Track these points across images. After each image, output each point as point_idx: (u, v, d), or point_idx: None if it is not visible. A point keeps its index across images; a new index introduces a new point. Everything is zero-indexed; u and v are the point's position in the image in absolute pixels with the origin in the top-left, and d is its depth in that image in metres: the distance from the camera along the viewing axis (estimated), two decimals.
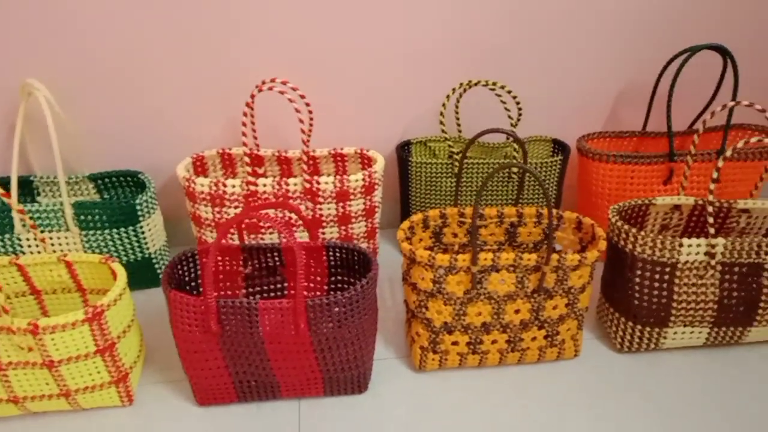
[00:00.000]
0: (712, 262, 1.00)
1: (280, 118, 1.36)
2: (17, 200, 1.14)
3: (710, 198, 1.00)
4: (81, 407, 0.99)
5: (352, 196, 1.21)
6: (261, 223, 1.22)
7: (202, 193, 1.18)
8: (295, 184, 1.18)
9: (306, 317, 0.89)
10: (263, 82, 1.10)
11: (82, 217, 1.19)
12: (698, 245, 0.99)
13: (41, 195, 1.33)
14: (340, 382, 1.00)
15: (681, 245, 0.99)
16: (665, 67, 1.28)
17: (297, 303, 0.87)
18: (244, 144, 1.15)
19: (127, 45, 1.23)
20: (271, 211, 1.22)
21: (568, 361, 1.10)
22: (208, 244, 0.95)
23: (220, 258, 1.05)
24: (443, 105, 1.28)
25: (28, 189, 1.32)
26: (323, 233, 1.25)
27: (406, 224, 1.07)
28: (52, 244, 1.21)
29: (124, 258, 1.25)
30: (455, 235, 1.14)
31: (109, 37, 1.22)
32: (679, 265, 1.00)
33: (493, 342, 1.03)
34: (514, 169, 1.33)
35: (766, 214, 1.12)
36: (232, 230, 1.23)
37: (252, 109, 1.18)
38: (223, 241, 1.27)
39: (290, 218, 1.23)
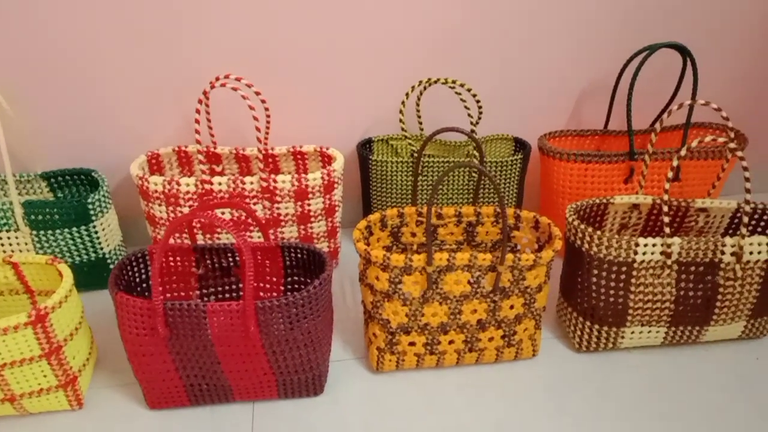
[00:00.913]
0: (669, 262, 1.00)
1: (241, 115, 1.33)
2: None
3: (665, 197, 1.00)
4: (28, 412, 0.97)
5: (310, 195, 1.19)
6: (214, 223, 1.20)
7: (156, 191, 1.16)
8: (252, 183, 1.16)
9: (256, 320, 0.87)
10: (216, 78, 1.08)
11: (33, 217, 1.16)
12: (654, 245, 0.99)
13: None
14: (294, 385, 0.98)
15: (637, 245, 0.99)
16: (625, 66, 1.28)
17: (246, 305, 0.85)
18: (198, 141, 1.12)
19: (81, 41, 1.20)
20: (226, 211, 1.20)
21: (527, 360, 1.09)
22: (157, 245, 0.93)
23: (171, 259, 1.03)
24: (402, 103, 1.26)
25: None
26: (282, 233, 1.23)
27: (362, 224, 1.05)
28: (2, 245, 1.18)
29: (78, 258, 1.22)
30: (414, 235, 1.13)
31: (61, 34, 1.19)
32: (636, 265, 1.00)
33: (451, 342, 1.03)
34: (474, 169, 1.32)
35: (723, 213, 1.12)
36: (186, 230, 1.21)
37: (207, 105, 1.16)
38: (177, 241, 1.24)
39: (246, 217, 1.21)
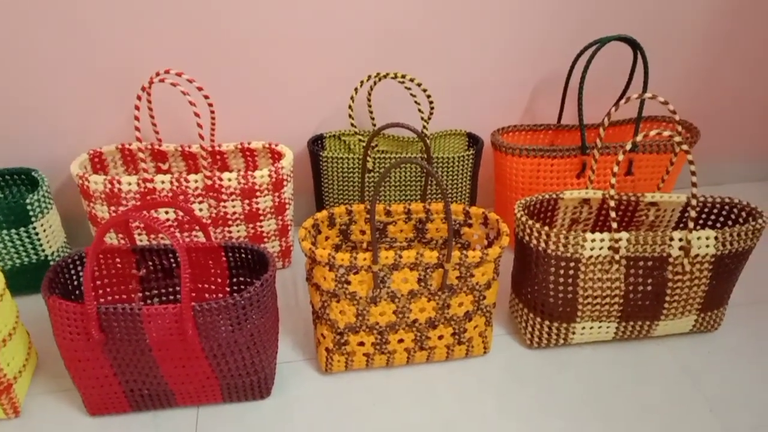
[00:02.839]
0: (617, 257, 1.00)
1: (188, 112, 1.29)
2: None
3: (611, 192, 0.99)
4: None
5: (258, 193, 1.17)
6: (148, 224, 1.17)
7: (97, 191, 1.12)
8: (196, 181, 1.13)
9: (194, 323, 0.84)
10: (156, 74, 1.04)
11: None
12: (602, 240, 0.99)
13: None
14: (239, 388, 0.96)
15: (584, 240, 0.98)
16: (576, 59, 1.28)
17: (183, 308, 0.83)
18: (138, 139, 1.09)
19: (19, 34, 1.15)
20: (170, 210, 1.17)
21: (478, 358, 1.09)
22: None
23: (111, 260, 1.00)
24: (351, 98, 1.24)
25: None
26: (230, 232, 1.20)
27: (309, 222, 1.03)
28: None
29: (18, 261, 1.17)
30: (363, 233, 1.11)
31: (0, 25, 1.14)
32: (584, 260, 1.00)
33: (400, 341, 1.01)
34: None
35: (674, 207, 1.12)
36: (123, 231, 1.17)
37: (150, 101, 1.12)
38: (119, 242, 1.21)
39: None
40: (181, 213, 1.16)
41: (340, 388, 1.02)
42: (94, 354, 0.87)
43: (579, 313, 1.04)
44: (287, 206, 1.23)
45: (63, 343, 0.87)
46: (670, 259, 1.01)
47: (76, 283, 0.97)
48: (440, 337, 1.02)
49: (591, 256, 0.99)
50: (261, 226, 1.22)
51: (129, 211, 0.83)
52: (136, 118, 1.07)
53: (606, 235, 0.99)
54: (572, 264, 1.00)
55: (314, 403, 0.99)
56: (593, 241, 0.98)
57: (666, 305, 1.05)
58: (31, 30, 1.15)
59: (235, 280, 1.04)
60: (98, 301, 1.02)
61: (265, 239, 1.24)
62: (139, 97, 1.05)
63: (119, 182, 1.11)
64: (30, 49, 1.17)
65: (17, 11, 1.13)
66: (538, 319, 1.07)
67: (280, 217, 1.23)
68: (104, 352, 0.87)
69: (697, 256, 1.01)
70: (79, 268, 0.97)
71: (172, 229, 0.80)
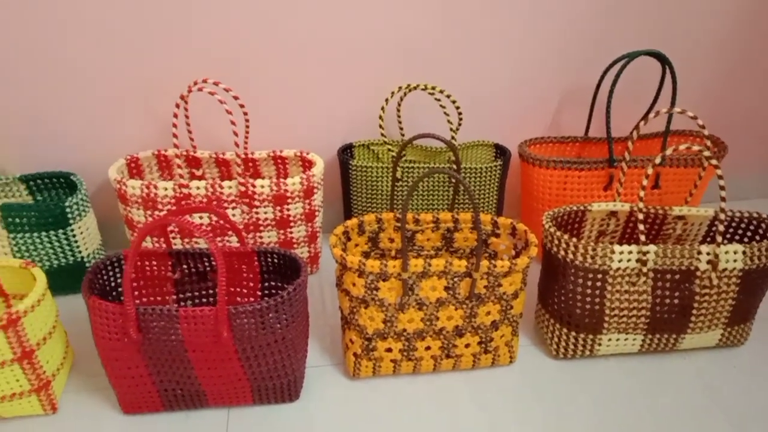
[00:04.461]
0: (644, 269, 1.01)
1: (221, 119, 1.33)
2: None
3: (640, 205, 1.00)
4: (0, 416, 0.96)
5: (290, 200, 1.19)
6: (187, 228, 1.20)
7: (134, 195, 1.15)
8: (230, 187, 1.16)
9: (229, 325, 0.87)
10: (195, 83, 1.08)
11: (10, 220, 1.15)
12: (630, 252, 0.99)
13: None
14: (269, 390, 0.98)
15: (612, 252, 0.99)
16: (605, 73, 1.29)
17: (219, 310, 0.85)
18: (176, 146, 1.12)
19: (63, 44, 1.20)
20: (205, 216, 1.20)
21: (504, 367, 1.10)
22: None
23: (147, 263, 1.03)
24: (382, 108, 1.26)
25: None
26: (261, 237, 1.23)
27: (339, 229, 1.05)
28: None
29: (55, 262, 1.21)
30: (392, 240, 1.13)
31: (42, 36, 1.18)
32: (611, 272, 1.00)
33: (427, 348, 1.02)
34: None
35: (701, 221, 1.13)
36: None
37: (186, 110, 1.15)
38: (155, 245, 1.24)
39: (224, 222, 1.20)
40: (214, 218, 1.19)
41: (366, 393, 1.04)
42: (131, 353, 0.90)
43: (605, 325, 1.05)
44: (317, 213, 1.25)
45: (101, 342, 0.89)
46: (698, 273, 1.01)
47: (113, 284, 1.00)
48: (467, 346, 1.03)
49: (619, 268, 1.00)
50: (291, 233, 1.24)
51: (169, 215, 0.86)
52: (174, 126, 1.10)
53: (634, 248, 0.99)
54: (600, 276, 1.00)
55: (341, 407, 1.01)
56: (621, 253, 0.99)
57: (693, 319, 1.06)
58: (71, 41, 1.19)
59: (266, 284, 1.07)
60: (135, 302, 1.05)
61: (295, 245, 1.26)
62: (177, 105, 1.08)
63: (156, 187, 1.14)
64: (70, 60, 1.22)
65: (59, 22, 1.17)
66: (564, 330, 1.07)
67: (309, 224, 1.25)
68: (140, 351, 0.89)
69: (724, 270, 1.01)
70: (117, 269, 1.00)
71: (210, 234, 0.82)
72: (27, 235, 1.17)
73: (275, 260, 1.03)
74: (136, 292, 1.05)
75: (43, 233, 1.17)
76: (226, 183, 1.15)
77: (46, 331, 0.94)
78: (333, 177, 1.46)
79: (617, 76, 1.22)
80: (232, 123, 1.07)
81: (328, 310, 1.25)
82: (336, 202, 1.51)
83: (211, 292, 1.08)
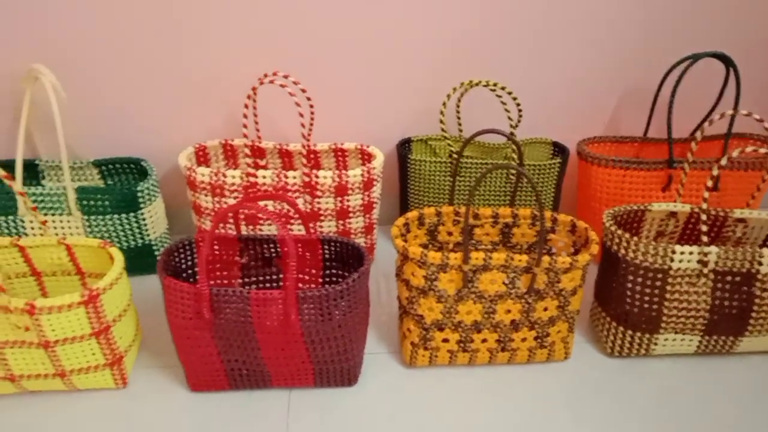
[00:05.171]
0: (705, 270, 1.01)
1: (283, 111, 1.37)
2: (22, 183, 1.16)
3: (704, 206, 1.00)
4: (76, 388, 1.01)
5: (350, 191, 1.22)
6: (259, 215, 1.24)
7: (203, 182, 1.20)
8: (294, 177, 1.20)
9: (297, 309, 0.90)
10: (265, 75, 1.11)
11: (85, 202, 1.21)
12: (691, 252, 1.00)
13: (46, 179, 1.35)
14: (330, 374, 1.01)
15: (674, 252, 0.99)
16: (667, 74, 1.28)
17: (288, 294, 0.88)
18: (245, 136, 1.16)
19: (134, 34, 1.25)
20: (269, 203, 1.24)
21: (558, 363, 1.11)
22: (205, 233, 0.96)
23: (216, 247, 1.07)
24: (443, 104, 1.28)
25: (33, 172, 1.34)
26: (321, 227, 1.26)
27: (401, 221, 1.08)
28: (55, 228, 1.23)
29: (125, 244, 1.27)
30: (450, 234, 1.15)
31: (116, 26, 1.24)
32: (672, 272, 1.01)
33: (484, 341, 1.04)
34: (512, 171, 1.34)
35: (762, 224, 1.12)
36: (230, 220, 1.25)
37: (254, 101, 1.19)
38: (221, 230, 1.28)
39: (288, 210, 1.24)
40: (278, 206, 1.23)
41: (422, 381, 1.06)
42: (202, 333, 0.94)
43: (663, 325, 1.05)
44: (374, 205, 1.28)
45: (174, 321, 0.94)
46: (759, 276, 1.01)
47: (184, 266, 1.05)
48: (523, 340, 1.05)
49: (679, 269, 1.00)
50: (349, 223, 1.27)
51: (244, 201, 0.89)
52: (245, 116, 1.14)
53: (695, 248, 1.00)
54: (660, 275, 1.01)
55: (397, 394, 1.04)
56: (682, 253, 0.99)
57: (751, 321, 1.05)
58: (147, 33, 1.25)
59: (327, 272, 1.10)
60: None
61: (352, 235, 1.29)
62: (249, 97, 1.12)
63: (224, 175, 1.18)
64: (144, 51, 1.27)
65: (135, 14, 1.22)
66: (621, 329, 1.08)
67: (367, 215, 1.28)
68: (211, 331, 0.93)
69: None
70: (188, 252, 1.04)
71: (283, 220, 0.86)
72: (100, 217, 1.23)
73: (338, 248, 1.06)
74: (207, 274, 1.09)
75: (115, 216, 1.23)
76: (290, 173, 1.19)
77: (122, 309, 0.99)
78: (388, 170, 1.49)
79: (680, 77, 1.22)
80: (301, 115, 1.10)
81: (383, 299, 1.28)
82: (390, 195, 1.53)
83: (274, 277, 1.12)
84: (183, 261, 1.05)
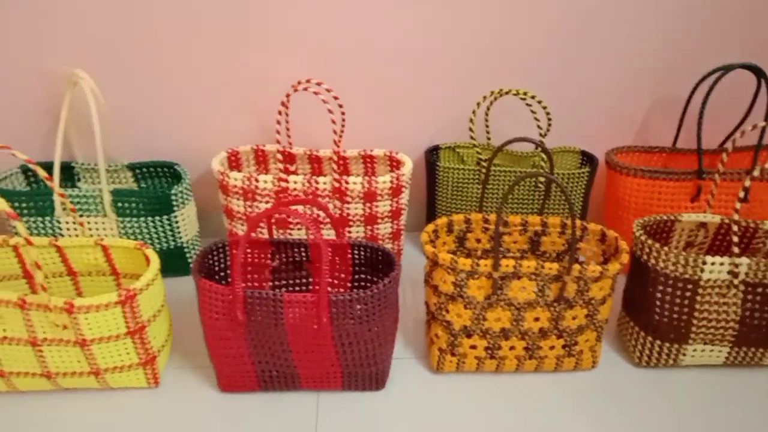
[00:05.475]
0: (735, 281, 1.00)
1: (313, 117, 1.39)
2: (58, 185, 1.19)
3: (736, 217, 1.00)
4: (109, 386, 1.03)
5: (379, 197, 1.23)
6: (290, 219, 1.26)
7: (235, 187, 1.22)
8: (325, 183, 1.21)
9: (329, 312, 0.91)
10: (299, 83, 1.13)
11: (120, 204, 1.24)
12: (722, 263, 0.99)
13: (81, 181, 1.38)
14: (358, 378, 1.02)
15: (704, 263, 0.99)
16: (698, 84, 1.28)
17: (321, 297, 0.90)
18: (278, 141, 1.18)
19: (171, 42, 1.28)
20: (300, 208, 1.25)
21: (585, 371, 1.11)
22: (239, 236, 0.98)
23: (249, 250, 1.08)
24: (473, 112, 1.30)
25: (68, 174, 1.37)
26: (349, 232, 1.27)
27: (430, 227, 1.09)
28: (90, 229, 1.26)
29: (157, 246, 1.29)
30: (478, 241, 1.15)
31: (152, 33, 1.27)
32: (702, 283, 1.01)
33: (511, 348, 1.05)
34: (540, 179, 1.34)
35: None
36: (261, 224, 1.27)
37: (287, 108, 1.21)
38: (253, 234, 1.30)
39: (318, 215, 1.26)
40: (309, 210, 1.25)
41: (449, 387, 1.07)
42: (235, 334, 0.95)
43: (692, 335, 1.05)
44: (402, 211, 1.29)
45: (208, 322, 0.95)
46: None
47: (216, 268, 1.07)
48: (551, 348, 1.05)
49: (709, 279, 1.00)
50: (377, 229, 1.28)
51: (278, 205, 0.91)
52: (278, 123, 1.17)
53: (726, 259, 0.99)
54: (690, 286, 1.01)
55: (424, 399, 1.04)
56: (713, 264, 0.99)
57: None
58: (182, 40, 1.28)
59: (356, 276, 1.11)
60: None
61: (380, 241, 1.31)
62: (283, 104, 1.14)
63: (256, 180, 1.20)
64: (178, 58, 1.30)
65: (171, 20, 1.25)
66: (649, 338, 1.08)
67: (395, 222, 1.29)
68: (244, 332, 0.95)
69: None
70: (221, 255, 1.06)
71: (317, 226, 0.87)
72: (134, 219, 1.25)
73: (367, 254, 1.08)
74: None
75: (149, 218, 1.25)
76: (321, 179, 1.21)
77: (156, 309, 1.01)
78: (413, 177, 1.50)
79: (711, 88, 1.22)
80: (333, 122, 1.12)
81: (409, 305, 1.29)
82: (416, 202, 1.55)
83: (303, 281, 1.14)
84: (216, 263, 1.06)
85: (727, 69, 1.22)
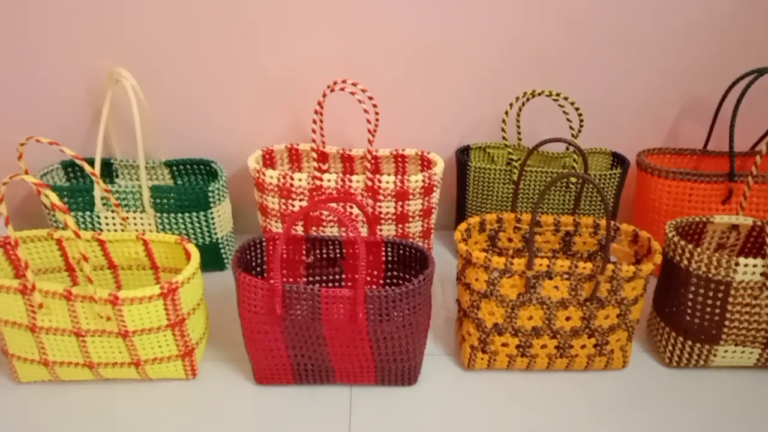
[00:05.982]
0: None
1: (343, 117, 1.41)
2: None
3: None
4: (148, 377, 1.06)
5: (411, 196, 1.25)
6: (323, 216, 1.28)
7: (271, 184, 1.24)
8: (358, 181, 1.24)
9: (364, 307, 0.93)
10: (335, 83, 1.16)
11: (158, 200, 1.27)
12: (755, 265, 1.00)
13: (119, 177, 1.41)
14: (391, 373, 1.04)
15: (737, 264, 1.00)
16: (731, 87, 1.28)
17: (357, 293, 0.92)
18: (314, 140, 1.21)
19: (211, 42, 1.31)
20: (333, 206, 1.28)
21: (616, 371, 1.12)
22: (275, 233, 1.00)
23: (285, 246, 1.11)
24: (506, 113, 1.31)
25: (107, 171, 1.40)
26: (381, 230, 1.29)
27: (463, 226, 1.11)
28: (129, 224, 1.29)
29: (194, 241, 1.32)
30: (510, 240, 1.17)
31: (193, 35, 1.30)
32: (734, 284, 1.01)
33: (543, 346, 1.06)
34: (572, 179, 1.35)
35: None
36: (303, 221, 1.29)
37: (322, 108, 1.23)
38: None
39: (351, 213, 1.28)
40: (342, 208, 1.27)
41: (480, 384, 1.08)
42: (273, 327, 0.98)
43: (723, 337, 1.06)
44: (433, 210, 1.31)
45: (246, 315, 0.98)
46: None
47: (253, 263, 1.09)
48: (582, 347, 1.06)
49: (742, 281, 1.01)
50: (408, 227, 1.30)
51: (317, 202, 0.93)
52: (314, 122, 1.19)
53: (759, 261, 1.00)
54: (722, 287, 1.01)
55: (455, 396, 1.06)
56: (746, 265, 1.00)
57: None
58: (220, 40, 1.31)
59: (389, 273, 1.13)
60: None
61: (411, 239, 1.32)
62: (319, 103, 1.17)
63: (291, 178, 1.23)
64: (216, 59, 1.33)
65: (210, 20, 1.28)
66: (680, 339, 1.08)
67: (426, 221, 1.31)
68: (281, 326, 0.97)
69: None
70: (257, 251, 1.09)
71: (355, 223, 0.89)
72: (171, 215, 1.28)
73: (401, 251, 1.10)
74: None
75: (186, 214, 1.28)
76: (354, 177, 1.23)
77: (195, 302, 1.04)
78: (445, 176, 1.51)
79: (744, 90, 1.22)
80: (368, 122, 1.14)
81: (439, 302, 1.30)
82: (445, 201, 1.56)
83: (336, 277, 1.16)
84: (253, 258, 1.09)
85: (761, 72, 1.22)
